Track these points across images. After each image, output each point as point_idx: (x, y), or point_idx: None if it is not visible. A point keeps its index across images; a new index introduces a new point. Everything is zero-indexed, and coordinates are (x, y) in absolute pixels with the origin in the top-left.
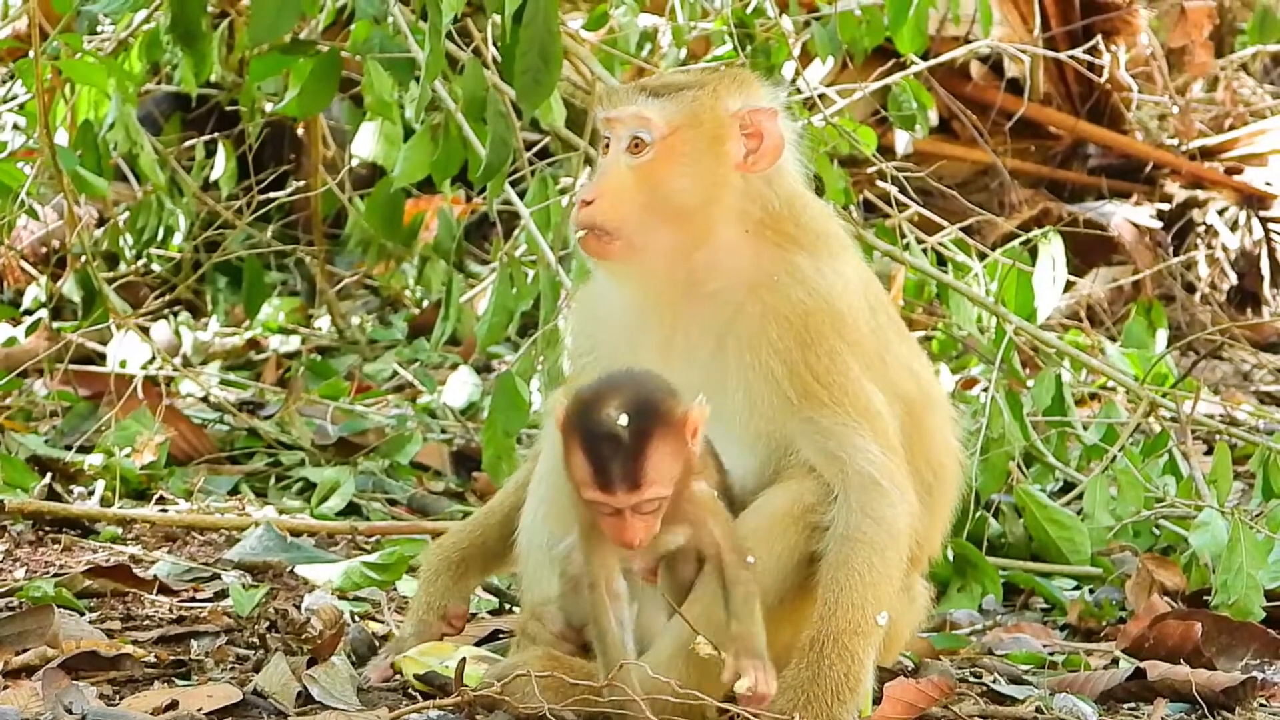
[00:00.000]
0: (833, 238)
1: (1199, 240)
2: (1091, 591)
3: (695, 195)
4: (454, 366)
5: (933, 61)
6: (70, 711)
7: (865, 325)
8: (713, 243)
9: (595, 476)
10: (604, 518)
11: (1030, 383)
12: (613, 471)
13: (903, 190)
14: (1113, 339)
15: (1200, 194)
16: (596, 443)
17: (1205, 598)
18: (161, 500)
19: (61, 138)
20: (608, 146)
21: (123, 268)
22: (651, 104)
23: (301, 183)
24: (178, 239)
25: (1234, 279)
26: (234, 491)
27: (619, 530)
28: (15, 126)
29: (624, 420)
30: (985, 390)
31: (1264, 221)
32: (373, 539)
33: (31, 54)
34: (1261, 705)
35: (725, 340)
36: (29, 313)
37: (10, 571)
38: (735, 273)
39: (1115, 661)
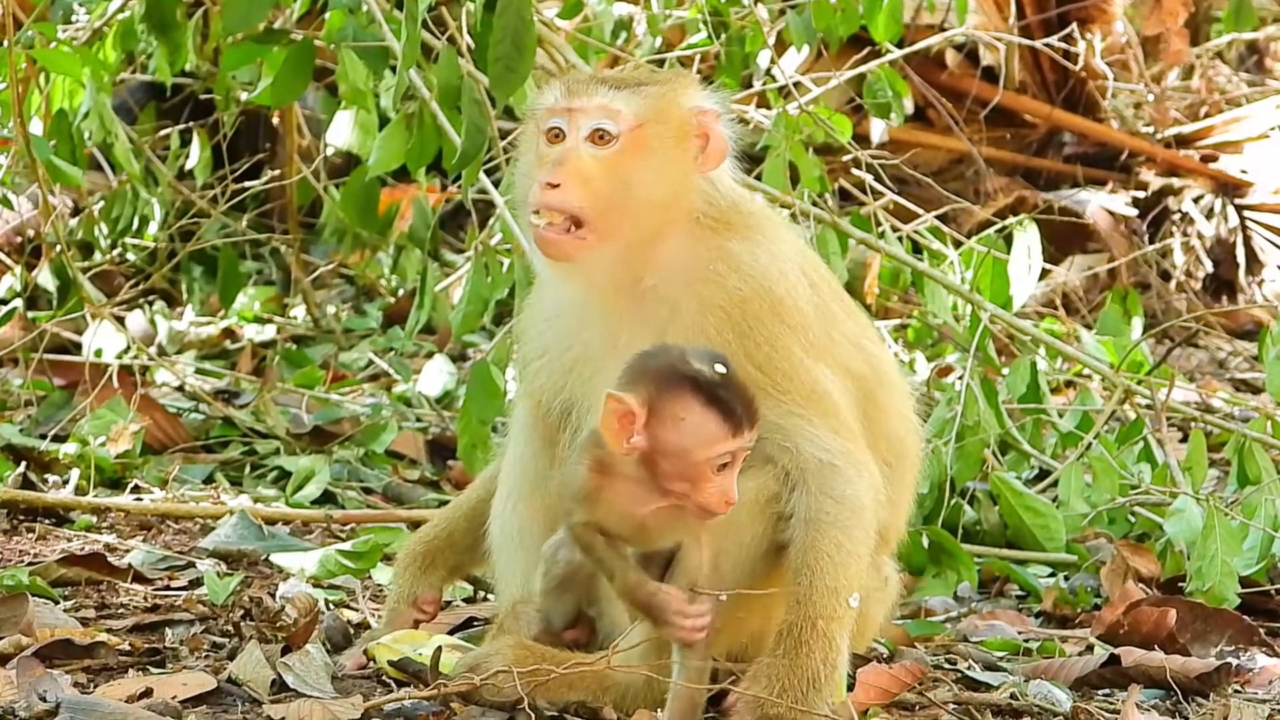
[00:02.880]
0: (767, 220)
1: (1174, 228)
2: (1066, 578)
3: (659, 190)
4: (429, 355)
5: (908, 50)
6: (44, 700)
7: (806, 305)
8: (660, 239)
9: (726, 421)
10: (708, 484)
11: (1005, 370)
12: (738, 410)
13: (878, 178)
14: (1088, 326)
15: (1176, 182)
16: (715, 390)
17: (1180, 584)
18: (136, 489)
19: (36, 127)
20: (557, 136)
21: (97, 257)
22: (618, 96)
23: (276, 172)
24: (153, 228)
25: (1209, 267)
26: (209, 480)
27: (723, 491)
28: None
29: (721, 368)
30: (960, 378)
31: (1239, 209)
32: (348, 527)
33: (6, 43)
34: (1236, 691)
35: (666, 337)
36: (4, 302)
37: None
38: (674, 268)
39: (1090, 648)
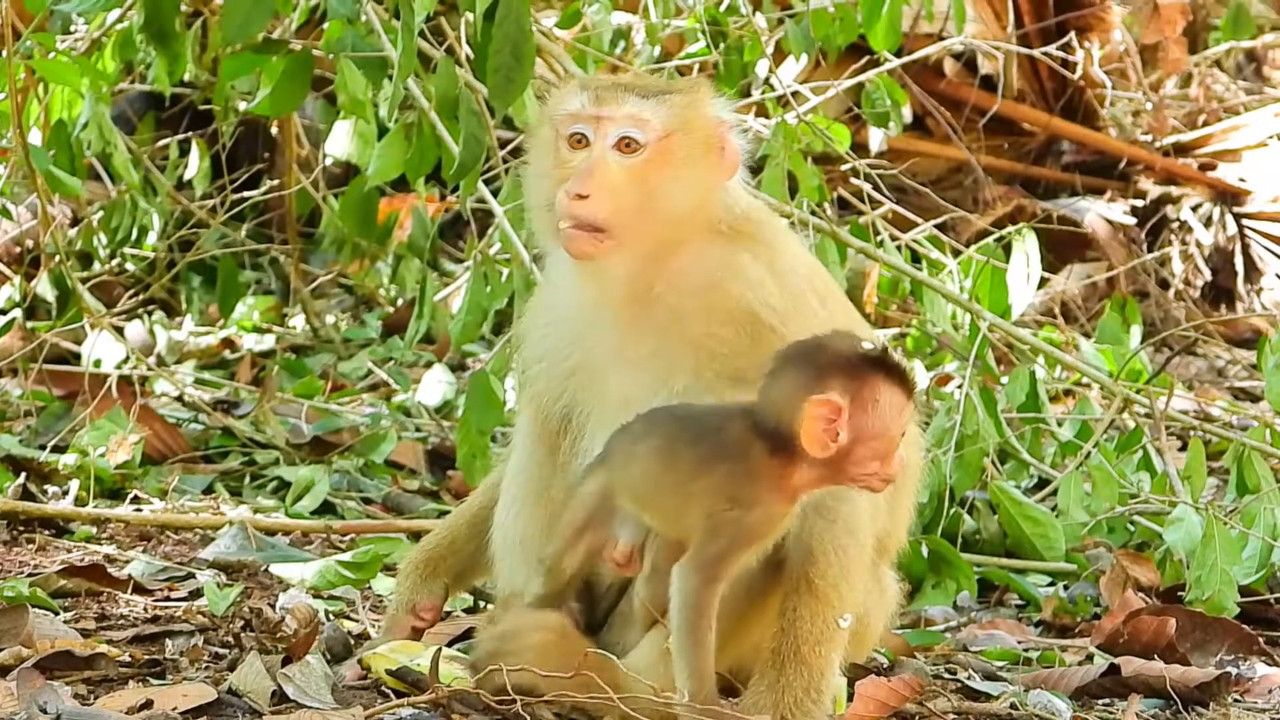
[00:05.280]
0: (775, 230)
1: (1173, 236)
2: (1066, 588)
3: (685, 200)
4: (428, 365)
5: (906, 59)
6: (45, 711)
7: (811, 316)
8: (679, 248)
9: (907, 390)
10: (894, 454)
11: (1005, 379)
12: (909, 376)
13: (876, 188)
14: (1087, 335)
15: (1174, 190)
16: (891, 365)
17: (1179, 593)
18: (136, 500)
19: (35, 137)
20: (580, 142)
21: (97, 267)
22: (646, 105)
23: (275, 181)
24: (152, 238)
25: (1208, 275)
26: (208, 491)
27: (899, 462)
28: None
29: (868, 344)
30: (960, 387)
31: (1238, 217)
32: (347, 538)
33: (5, 53)
34: (1235, 700)
35: (670, 345)
36: (3, 312)
37: None
38: (685, 276)
39: (1090, 657)
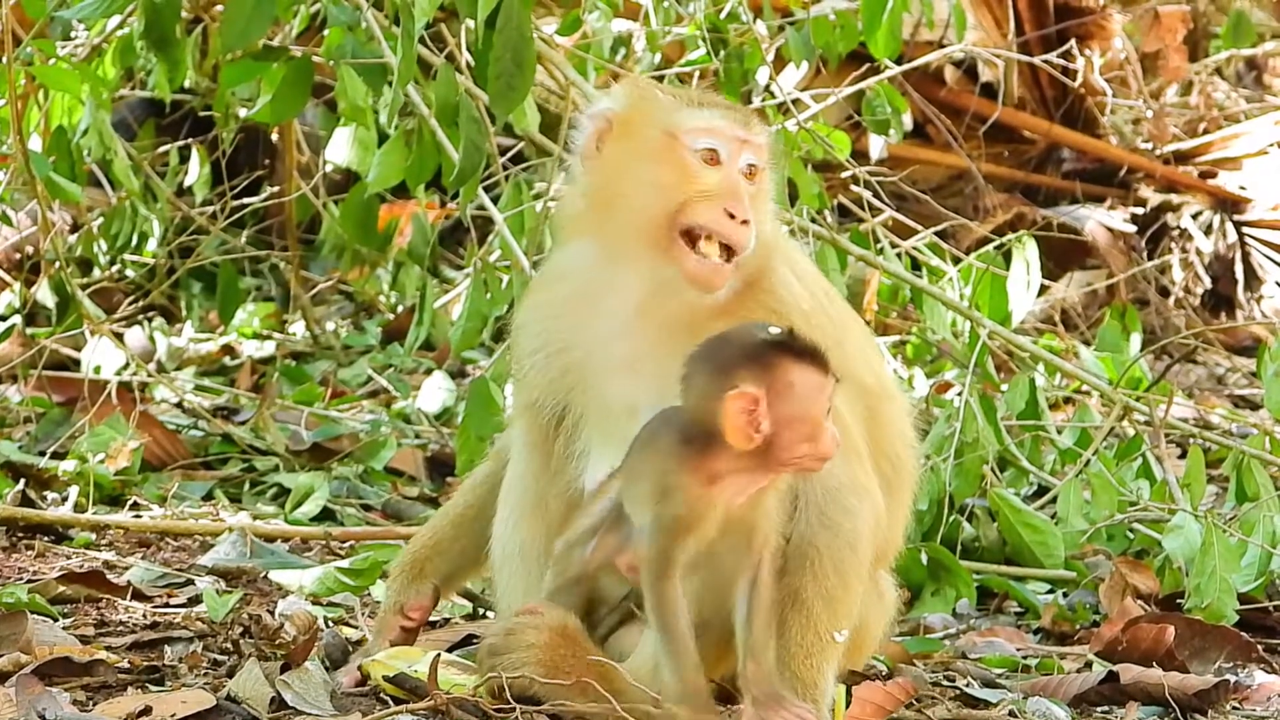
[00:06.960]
0: (781, 237)
1: (1173, 244)
2: (1065, 595)
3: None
4: (428, 372)
5: (907, 66)
6: (44, 718)
7: (818, 319)
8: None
9: (822, 368)
10: (824, 434)
11: (1004, 387)
12: (820, 353)
13: (877, 195)
14: (1087, 343)
15: (1174, 198)
16: (799, 345)
17: (1178, 601)
18: (135, 506)
19: (35, 143)
20: (713, 159)
21: (97, 273)
22: (767, 133)
23: (276, 188)
24: (152, 245)
25: (1208, 283)
26: (208, 497)
27: (832, 434)
28: None
29: (774, 329)
30: (959, 394)
31: (1238, 225)
32: (347, 544)
33: (5, 60)
34: (1234, 708)
35: (682, 349)
36: (3, 319)
37: None
38: None
39: (1088, 665)
